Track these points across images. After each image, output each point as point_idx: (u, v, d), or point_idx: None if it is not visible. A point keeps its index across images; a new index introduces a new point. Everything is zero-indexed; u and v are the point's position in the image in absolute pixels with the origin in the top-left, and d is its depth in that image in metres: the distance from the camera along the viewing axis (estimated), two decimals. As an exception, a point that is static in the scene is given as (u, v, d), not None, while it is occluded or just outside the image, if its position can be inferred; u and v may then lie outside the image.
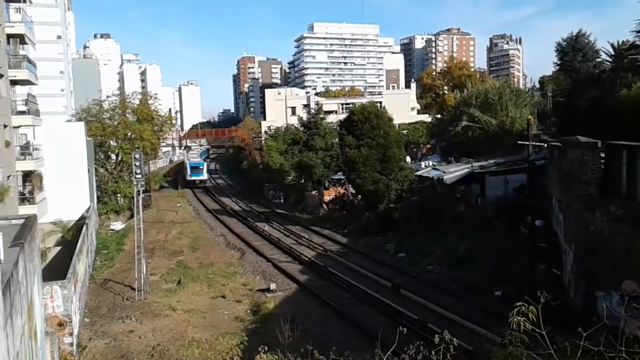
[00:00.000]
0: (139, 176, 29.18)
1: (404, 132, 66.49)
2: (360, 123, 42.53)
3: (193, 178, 78.49)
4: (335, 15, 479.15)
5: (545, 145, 31.13)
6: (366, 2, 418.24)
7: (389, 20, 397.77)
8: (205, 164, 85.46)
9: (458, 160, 42.93)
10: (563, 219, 23.20)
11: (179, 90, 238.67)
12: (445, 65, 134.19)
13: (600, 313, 15.89)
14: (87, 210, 38.19)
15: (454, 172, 38.54)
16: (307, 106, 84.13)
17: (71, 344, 19.65)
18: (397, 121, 54.33)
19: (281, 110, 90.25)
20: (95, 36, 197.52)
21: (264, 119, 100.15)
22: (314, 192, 56.01)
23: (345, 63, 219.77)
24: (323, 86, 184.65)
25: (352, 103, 77.73)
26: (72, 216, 36.97)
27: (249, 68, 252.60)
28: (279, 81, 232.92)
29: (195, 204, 63.37)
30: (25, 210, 28.62)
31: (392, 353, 8.10)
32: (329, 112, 77.46)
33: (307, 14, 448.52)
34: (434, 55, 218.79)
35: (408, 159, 54.42)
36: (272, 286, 27.53)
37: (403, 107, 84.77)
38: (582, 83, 52.52)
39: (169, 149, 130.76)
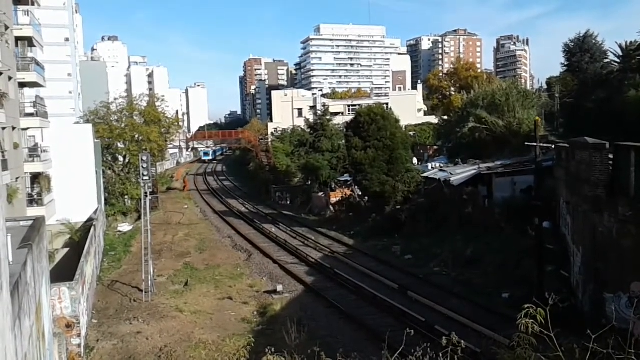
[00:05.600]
0: (146, 178, 29.27)
1: (411, 133, 66.42)
2: (366, 125, 42.52)
3: (204, 158, 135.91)
4: (342, 16, 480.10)
5: (553, 146, 30.97)
6: (372, 3, 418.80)
7: (395, 21, 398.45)
8: (211, 151, 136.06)
9: (465, 162, 42.80)
10: (571, 221, 23.08)
11: (186, 92, 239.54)
12: (452, 66, 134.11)
13: (609, 315, 15.78)
14: (95, 212, 38.35)
15: (461, 173, 38.43)
16: (313, 108, 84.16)
17: (79, 345, 19.73)
18: (403, 123, 54.29)
19: (288, 112, 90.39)
20: (102, 39, 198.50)
21: (271, 120, 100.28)
22: (320, 194, 56.00)
23: (352, 65, 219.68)
24: (329, 88, 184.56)
25: (359, 105, 77.76)
26: (80, 218, 37.14)
27: (256, 70, 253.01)
28: (285, 83, 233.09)
29: (202, 206, 63.48)
30: (34, 211, 28.73)
31: (400, 355, 8.09)
32: (336, 114, 77.54)
33: (314, 15, 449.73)
34: (440, 57, 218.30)
35: (415, 160, 54.33)
36: (279, 288, 27.54)
37: (410, 109, 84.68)
38: (590, 84, 52.30)
39: (176, 150, 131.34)
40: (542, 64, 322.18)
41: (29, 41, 34.83)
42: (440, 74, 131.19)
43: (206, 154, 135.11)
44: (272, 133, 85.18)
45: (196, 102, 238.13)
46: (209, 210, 59.35)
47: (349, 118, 55.44)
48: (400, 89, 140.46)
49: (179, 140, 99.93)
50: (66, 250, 34.77)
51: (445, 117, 69.18)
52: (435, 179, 40.82)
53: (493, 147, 42.68)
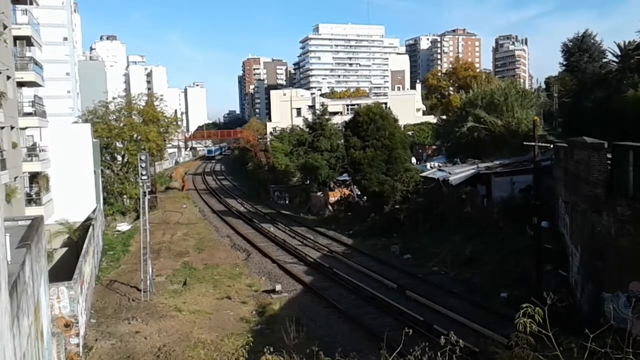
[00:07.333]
0: (145, 177, 29.26)
1: (410, 133, 66.37)
2: (365, 124, 42.50)
3: (208, 155, 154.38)
4: (341, 16, 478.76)
5: (552, 146, 31.01)
6: (371, 3, 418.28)
7: (394, 21, 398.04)
8: (213, 149, 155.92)
9: (464, 161, 42.83)
10: (569, 220, 23.11)
11: (185, 91, 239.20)
12: (450, 66, 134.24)
13: (607, 315, 15.81)
14: (94, 212, 38.33)
15: (459, 173, 38.46)
16: (312, 107, 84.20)
17: (77, 345, 19.72)
18: (402, 122, 54.28)
19: (286, 111, 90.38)
20: (101, 38, 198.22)
21: (269, 120, 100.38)
22: (319, 194, 55.99)
23: (351, 64, 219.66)
24: (328, 87, 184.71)
25: (357, 104, 77.76)
26: (78, 217, 37.12)
27: (254, 69, 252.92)
28: (284, 82, 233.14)
29: (201, 205, 63.47)
30: (32, 211, 28.70)
31: (398, 354, 8.09)
32: (334, 113, 77.47)
33: (313, 15, 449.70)
34: (439, 56, 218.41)
35: (413, 160, 54.32)
36: (278, 287, 27.56)
37: (408, 108, 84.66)
38: (588, 84, 52.35)
39: (175, 150, 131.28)
40: (541, 63, 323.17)
41: (27, 40, 34.79)
42: (439, 74, 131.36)
43: (209, 151, 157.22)
44: (270, 132, 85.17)
45: (195, 101, 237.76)
46: (208, 210, 59.34)
47: (347, 117, 55.41)
48: (399, 88, 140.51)
49: (178, 140, 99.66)
50: (64, 249, 34.80)
51: (444, 117, 69.14)
52: (434, 179, 40.85)
53: (491, 146, 42.70)
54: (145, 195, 29.70)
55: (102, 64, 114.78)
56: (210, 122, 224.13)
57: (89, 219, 36.40)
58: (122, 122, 56.69)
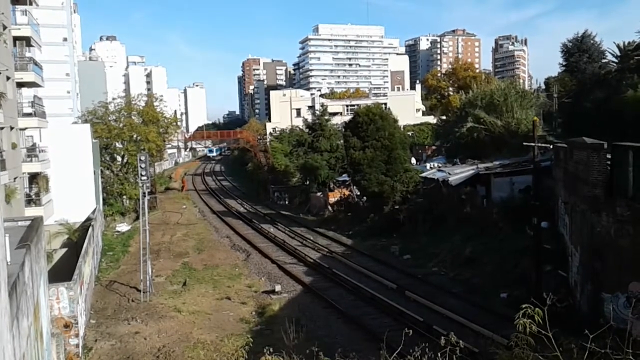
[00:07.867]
0: (145, 178, 29.26)
1: (409, 133, 66.41)
2: (365, 124, 42.51)
3: (209, 154, 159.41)
4: (340, 16, 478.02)
5: (551, 146, 31.02)
6: (371, 3, 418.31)
7: (393, 21, 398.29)
8: (214, 149, 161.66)
9: (463, 162, 42.83)
10: (569, 221, 23.11)
11: (184, 92, 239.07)
12: (450, 66, 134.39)
13: (607, 315, 15.82)
14: (93, 212, 38.33)
15: (459, 173, 38.46)
16: (312, 108, 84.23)
17: (77, 346, 19.72)
18: (402, 122, 54.34)
19: (286, 111, 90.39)
20: (100, 38, 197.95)
21: (269, 120, 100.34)
22: (318, 194, 55.99)
23: (350, 65, 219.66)
24: (328, 88, 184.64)
25: (357, 104, 77.78)
26: (78, 218, 37.13)
27: (254, 70, 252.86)
28: (283, 83, 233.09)
29: (201, 206, 63.46)
30: (32, 212, 28.68)
31: (398, 355, 8.08)
32: (334, 114, 77.50)
33: (312, 15, 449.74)
34: (439, 57, 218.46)
35: (413, 160, 54.34)
36: (277, 288, 27.55)
37: (408, 109, 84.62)
38: (588, 84, 52.37)
39: (175, 150, 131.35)
40: (541, 64, 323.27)
41: (27, 41, 34.79)
42: (439, 74, 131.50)
43: (210, 151, 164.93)
44: (270, 133, 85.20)
45: (194, 102, 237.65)
46: (207, 210, 59.32)
47: (347, 118, 55.40)
48: (398, 89, 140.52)
49: (177, 140, 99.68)
50: (64, 250, 34.78)
51: (444, 117, 69.12)
52: (434, 179, 40.86)
53: (491, 147, 42.69)
54: (144, 196, 29.71)
55: (102, 65, 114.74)
56: (210, 122, 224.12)
57: (88, 219, 36.40)
58: (121, 123, 56.68)
